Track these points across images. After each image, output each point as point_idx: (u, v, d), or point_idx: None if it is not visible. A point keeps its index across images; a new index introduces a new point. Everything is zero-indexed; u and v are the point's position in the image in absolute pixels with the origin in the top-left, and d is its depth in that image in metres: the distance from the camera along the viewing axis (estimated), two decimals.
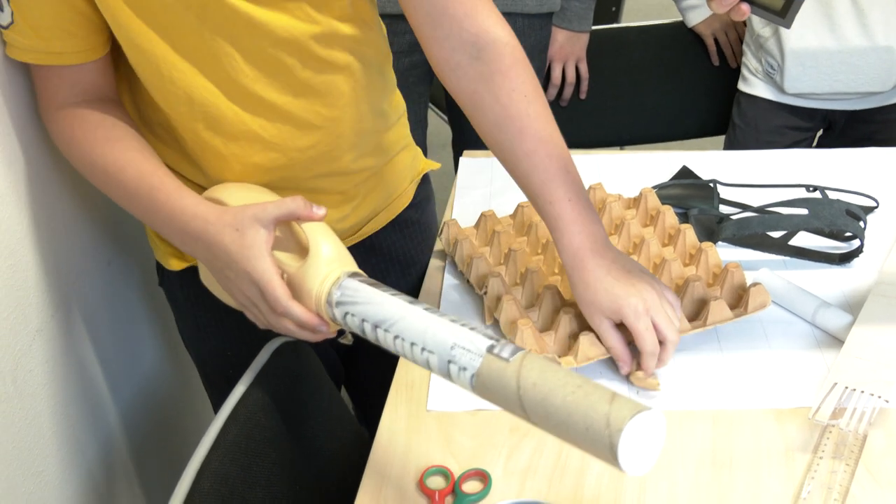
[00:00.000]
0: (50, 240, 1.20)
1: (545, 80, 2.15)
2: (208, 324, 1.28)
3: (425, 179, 1.40)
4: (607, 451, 0.71)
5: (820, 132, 2.07)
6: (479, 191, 1.52)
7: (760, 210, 1.34)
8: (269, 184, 1.12)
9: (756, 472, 0.97)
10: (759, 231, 1.26)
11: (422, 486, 0.98)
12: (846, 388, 1.02)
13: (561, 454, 1.01)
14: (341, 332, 1.01)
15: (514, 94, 1.07)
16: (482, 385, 0.79)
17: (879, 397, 1.01)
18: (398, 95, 1.28)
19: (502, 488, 0.97)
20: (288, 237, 1.02)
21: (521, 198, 1.47)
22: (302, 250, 1.00)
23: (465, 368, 0.80)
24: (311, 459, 1.13)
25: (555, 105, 2.22)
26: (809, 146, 2.05)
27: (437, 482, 0.99)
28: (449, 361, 0.81)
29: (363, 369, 1.44)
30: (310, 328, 0.97)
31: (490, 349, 0.79)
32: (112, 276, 1.38)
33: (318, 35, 1.06)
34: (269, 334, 1.08)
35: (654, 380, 1.07)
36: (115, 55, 1.10)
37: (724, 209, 1.40)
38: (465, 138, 2.15)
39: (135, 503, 1.43)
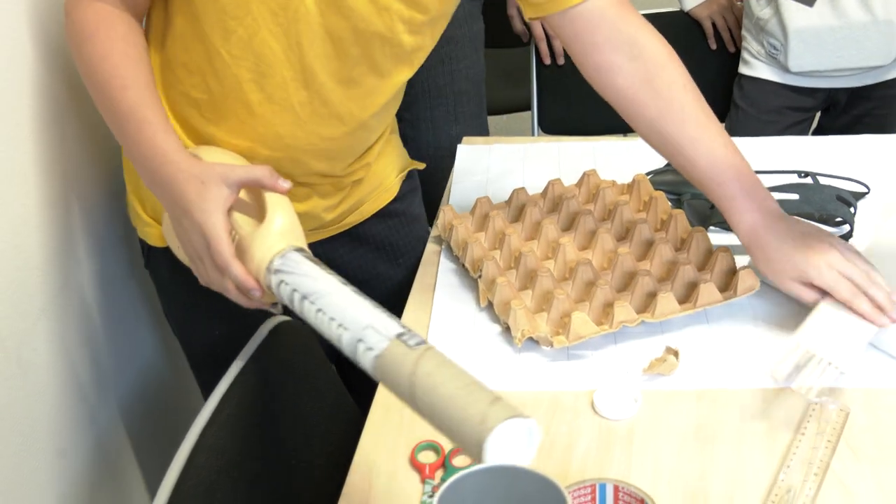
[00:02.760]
0: (54, 221, 1.22)
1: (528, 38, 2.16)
2: (195, 303, 1.28)
3: (410, 174, 1.43)
4: (474, 447, 0.74)
5: (819, 113, 2.09)
6: (477, 177, 1.54)
7: None
8: (276, 161, 1.13)
9: (738, 448, 0.99)
10: None
11: (413, 460, 1.00)
12: (807, 352, 1.05)
13: (550, 429, 1.03)
14: (275, 305, 1.04)
15: (673, 87, 1.15)
16: (381, 367, 0.82)
17: (836, 368, 1.04)
18: None
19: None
20: (252, 203, 1.04)
21: (518, 184, 1.50)
22: (261, 218, 1.02)
23: (371, 348, 0.83)
24: (305, 434, 1.15)
25: (555, 84, 2.24)
26: (810, 126, 2.08)
27: (428, 456, 1.01)
28: (358, 340, 0.84)
29: None
30: (244, 289, 0.99)
31: (399, 335, 0.82)
32: (115, 258, 1.40)
33: (387, 38, 1.10)
34: (258, 314, 1.10)
35: (668, 364, 1.09)
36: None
37: None
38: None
39: (135, 478, 1.45)
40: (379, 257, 1.39)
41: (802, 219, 1.13)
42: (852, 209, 1.30)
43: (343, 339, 0.86)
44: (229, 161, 1.08)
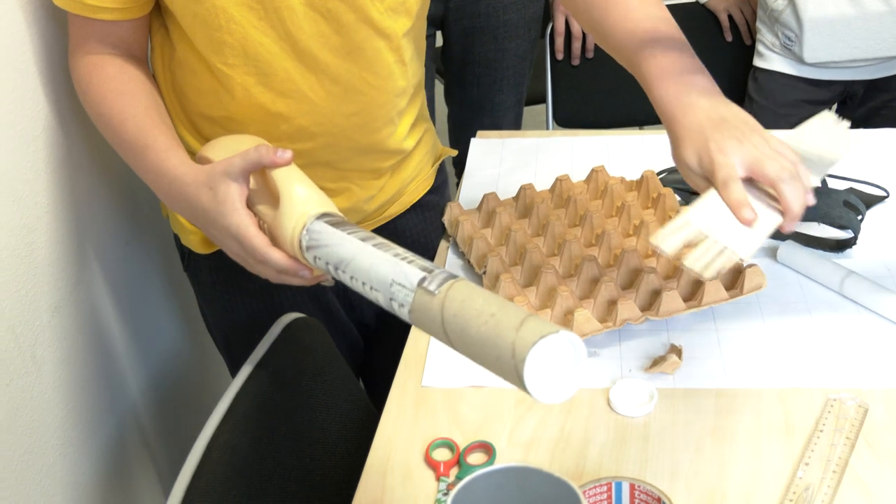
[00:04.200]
0: (67, 219, 1.22)
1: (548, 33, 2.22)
2: (235, 306, 1.30)
3: (442, 164, 1.43)
4: (518, 381, 0.69)
5: (835, 106, 2.07)
6: (489, 171, 1.53)
7: None
8: (309, 152, 1.14)
9: (756, 445, 0.99)
10: None
11: (428, 457, 1.00)
12: (700, 232, 0.92)
13: (564, 427, 1.02)
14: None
15: None
16: (417, 320, 0.79)
17: (734, 253, 0.91)
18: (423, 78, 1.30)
19: (506, 460, 0.99)
20: (263, 189, 1.03)
21: (530, 178, 1.49)
22: (276, 200, 1.00)
23: (402, 305, 0.80)
24: (320, 432, 1.15)
25: (570, 77, 2.24)
26: None
27: (442, 454, 1.01)
28: (390, 299, 0.81)
29: (378, 353, 1.46)
30: (290, 273, 0.98)
31: (421, 282, 0.79)
32: (130, 256, 1.40)
33: None
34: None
35: (670, 363, 1.08)
36: (154, 18, 1.13)
37: None
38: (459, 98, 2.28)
39: (149, 475, 1.46)
40: (416, 252, 1.39)
41: (729, 102, 0.98)
42: (860, 217, 1.27)
43: (380, 301, 0.83)
44: (242, 146, 1.07)
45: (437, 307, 0.76)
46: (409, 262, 0.82)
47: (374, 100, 1.15)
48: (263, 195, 1.02)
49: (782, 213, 0.92)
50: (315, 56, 1.08)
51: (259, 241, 0.96)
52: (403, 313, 0.80)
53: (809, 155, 0.97)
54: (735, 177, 0.91)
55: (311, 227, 0.94)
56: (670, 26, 1.06)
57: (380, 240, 0.87)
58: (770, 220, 0.93)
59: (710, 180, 0.94)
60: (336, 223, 0.93)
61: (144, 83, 1.10)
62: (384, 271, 0.82)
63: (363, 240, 0.87)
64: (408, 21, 1.14)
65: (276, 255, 0.96)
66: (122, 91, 1.08)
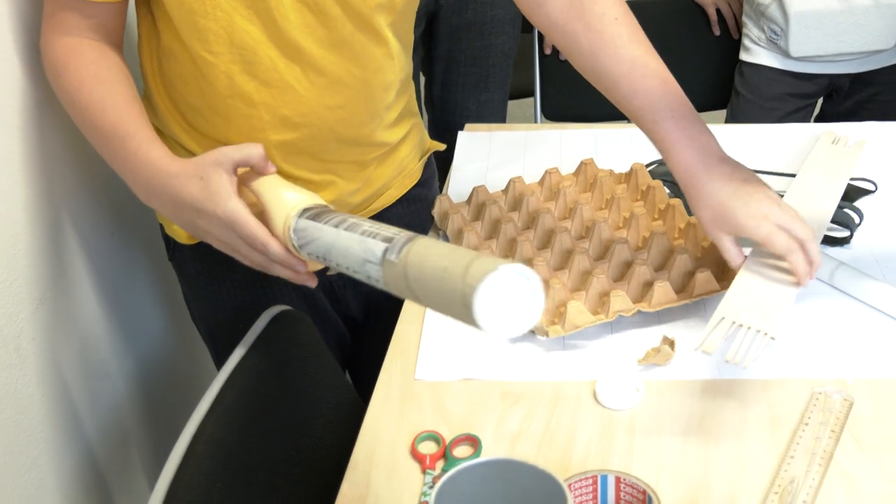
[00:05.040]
0: (51, 210, 1.22)
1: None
2: (220, 297, 1.29)
3: (430, 158, 1.42)
4: (469, 316, 0.70)
5: (821, 99, 2.08)
6: (477, 164, 1.53)
7: None
8: (292, 143, 1.13)
9: (742, 438, 0.99)
10: None
11: (413, 450, 1.00)
12: (733, 322, 1.01)
13: (551, 420, 1.02)
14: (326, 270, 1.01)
15: (605, 19, 1.09)
16: (392, 290, 0.80)
17: (766, 334, 0.99)
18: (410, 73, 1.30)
19: (492, 453, 0.99)
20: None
21: (518, 172, 1.49)
22: (257, 210, 0.99)
23: (377, 280, 0.81)
24: (306, 425, 1.15)
25: (558, 71, 2.24)
26: (812, 113, 2.07)
27: (428, 447, 1.01)
28: (369, 277, 0.82)
29: (366, 346, 1.46)
30: (286, 265, 0.97)
31: (384, 253, 0.80)
32: (115, 247, 1.40)
33: None
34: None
35: (663, 354, 1.08)
36: (140, 6, 1.12)
37: None
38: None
39: (136, 467, 1.45)
40: None
41: (745, 167, 1.06)
42: (857, 218, 1.27)
43: (365, 281, 0.84)
44: None
45: (401, 274, 0.77)
46: (373, 235, 0.82)
47: (360, 93, 1.15)
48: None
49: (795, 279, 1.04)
50: (300, 47, 1.08)
51: (257, 228, 0.96)
52: (381, 287, 0.81)
53: (819, 186, 1.02)
54: (774, 230, 1.01)
55: (296, 226, 0.94)
56: (666, 77, 1.11)
57: (352, 220, 0.87)
58: (789, 294, 1.04)
59: (735, 235, 1.05)
60: (316, 215, 0.93)
61: (123, 71, 1.09)
62: (356, 252, 0.83)
63: (336, 225, 0.88)
64: (390, 16, 1.13)
65: (275, 245, 0.96)
66: (102, 78, 1.07)
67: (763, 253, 1.08)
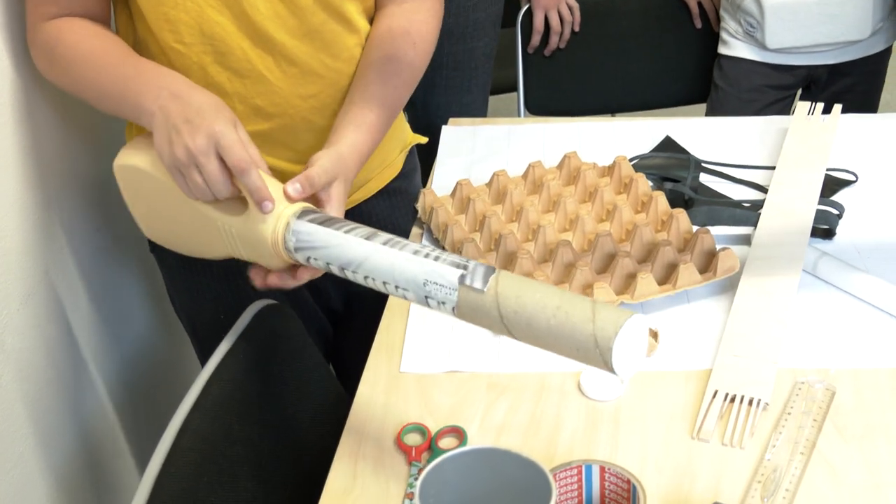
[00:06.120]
0: (37, 207, 1.21)
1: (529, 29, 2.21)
2: (202, 289, 1.29)
3: (412, 151, 1.42)
4: (603, 366, 0.75)
5: (799, 91, 2.09)
6: (461, 159, 1.53)
7: (734, 204, 1.33)
8: (266, 133, 1.13)
9: (725, 427, 0.99)
10: (730, 224, 1.28)
11: (399, 442, 1.00)
12: (726, 395, 1.02)
13: (535, 412, 1.03)
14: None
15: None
16: (464, 315, 0.81)
17: (759, 401, 1.01)
18: None
19: (478, 444, 0.99)
20: (219, 201, 0.99)
21: (502, 165, 1.49)
22: (238, 205, 0.97)
23: (443, 302, 0.82)
24: (292, 418, 1.15)
25: (541, 66, 2.24)
26: (790, 105, 2.08)
27: (414, 439, 1.01)
28: (426, 297, 0.83)
29: (348, 338, 1.46)
30: (259, 199, 0.94)
31: (462, 280, 0.80)
32: (101, 242, 1.40)
33: None
34: (262, 296, 1.10)
35: (648, 346, 1.08)
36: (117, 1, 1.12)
37: (703, 178, 1.41)
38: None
39: (123, 462, 1.45)
40: None
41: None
42: (837, 213, 1.28)
43: (408, 297, 0.85)
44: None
45: (491, 304, 0.79)
46: (436, 258, 0.83)
47: (334, 83, 1.15)
48: (223, 204, 0.99)
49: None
50: (271, 37, 1.08)
51: (244, 149, 0.95)
52: (445, 309, 0.82)
53: (798, 186, 1.04)
54: None
55: (296, 227, 0.92)
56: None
57: (384, 235, 0.88)
58: (772, 354, 1.06)
59: None
60: (322, 220, 0.92)
61: (118, 38, 1.09)
62: (412, 271, 0.83)
63: (367, 238, 0.88)
64: (361, 3, 1.14)
65: (256, 175, 0.94)
66: (103, 34, 1.07)
67: (746, 300, 1.13)
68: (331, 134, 1.10)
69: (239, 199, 0.98)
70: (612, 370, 0.74)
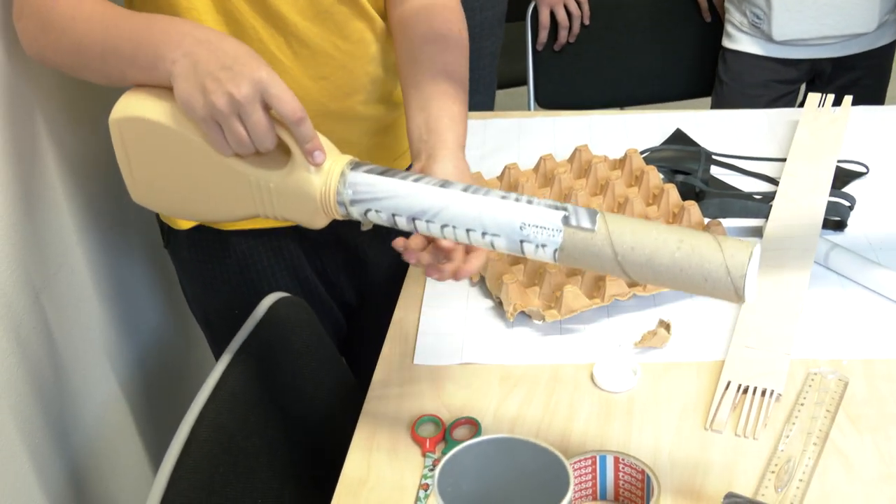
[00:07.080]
0: (50, 202, 1.22)
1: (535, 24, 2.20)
2: (216, 283, 1.30)
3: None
4: (731, 294, 0.75)
5: (804, 85, 2.09)
6: (472, 152, 1.53)
7: (745, 196, 1.34)
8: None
9: (738, 418, 1.00)
10: (741, 216, 1.28)
11: (413, 434, 1.01)
12: (739, 386, 1.02)
13: (549, 403, 1.03)
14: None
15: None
16: (568, 257, 0.80)
17: (772, 392, 1.01)
18: None
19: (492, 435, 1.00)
20: (255, 154, 0.91)
21: (513, 159, 1.49)
22: (276, 159, 0.90)
23: (543, 245, 0.80)
24: (307, 410, 1.15)
25: (550, 60, 2.24)
26: (796, 99, 2.08)
27: (428, 430, 1.02)
28: (521, 241, 0.80)
29: (361, 330, 1.47)
30: (310, 150, 0.88)
31: (566, 221, 0.79)
32: (114, 238, 1.40)
33: None
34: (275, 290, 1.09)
35: (660, 337, 1.09)
36: None
37: (714, 171, 1.42)
38: None
39: (138, 454, 1.46)
40: (376, 235, 1.39)
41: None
42: (849, 205, 1.28)
43: (497, 244, 0.82)
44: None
45: (604, 242, 0.78)
46: (528, 202, 0.81)
47: (345, 65, 1.16)
48: (256, 159, 0.91)
49: None
50: (284, 17, 1.09)
51: (292, 95, 0.88)
52: (545, 253, 0.80)
53: (809, 178, 1.03)
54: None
55: (352, 178, 0.87)
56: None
57: (459, 184, 0.84)
58: (786, 342, 1.07)
59: None
60: (380, 171, 0.87)
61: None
62: (505, 215, 0.81)
63: (442, 186, 0.84)
64: None
65: (309, 122, 0.88)
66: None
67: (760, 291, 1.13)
68: (426, 132, 1.04)
69: (277, 152, 0.91)
70: (741, 298, 0.75)
